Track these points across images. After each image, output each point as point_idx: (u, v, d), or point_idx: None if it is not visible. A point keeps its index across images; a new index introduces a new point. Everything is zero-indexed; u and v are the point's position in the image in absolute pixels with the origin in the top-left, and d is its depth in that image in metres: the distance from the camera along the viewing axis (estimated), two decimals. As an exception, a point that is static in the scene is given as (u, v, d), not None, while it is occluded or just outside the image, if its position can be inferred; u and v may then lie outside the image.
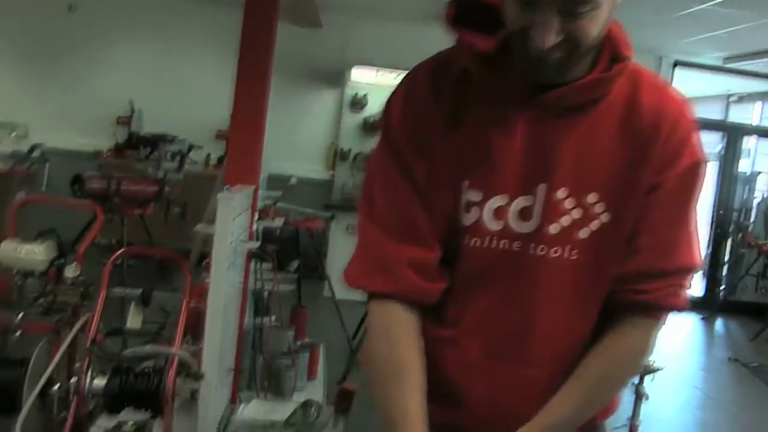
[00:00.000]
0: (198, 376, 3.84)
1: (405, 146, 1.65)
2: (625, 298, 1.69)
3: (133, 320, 4.05)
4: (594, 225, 1.63)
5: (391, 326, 1.68)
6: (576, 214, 1.62)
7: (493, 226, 1.65)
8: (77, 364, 3.96)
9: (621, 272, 1.67)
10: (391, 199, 1.68)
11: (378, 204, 1.69)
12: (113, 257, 4.16)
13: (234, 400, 4.05)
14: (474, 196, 1.64)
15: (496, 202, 1.64)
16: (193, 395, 3.99)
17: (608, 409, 1.85)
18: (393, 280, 1.68)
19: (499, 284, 1.67)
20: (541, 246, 1.64)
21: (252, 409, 3.89)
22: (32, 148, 8.36)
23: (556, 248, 1.63)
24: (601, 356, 1.68)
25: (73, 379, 3.91)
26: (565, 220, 1.63)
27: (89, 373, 3.88)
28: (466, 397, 1.72)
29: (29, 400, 3.81)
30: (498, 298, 1.68)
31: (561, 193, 1.62)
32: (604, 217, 1.63)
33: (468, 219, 1.66)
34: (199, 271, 4.29)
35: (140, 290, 4.08)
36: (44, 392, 3.97)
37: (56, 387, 4.04)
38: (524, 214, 1.63)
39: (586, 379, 1.67)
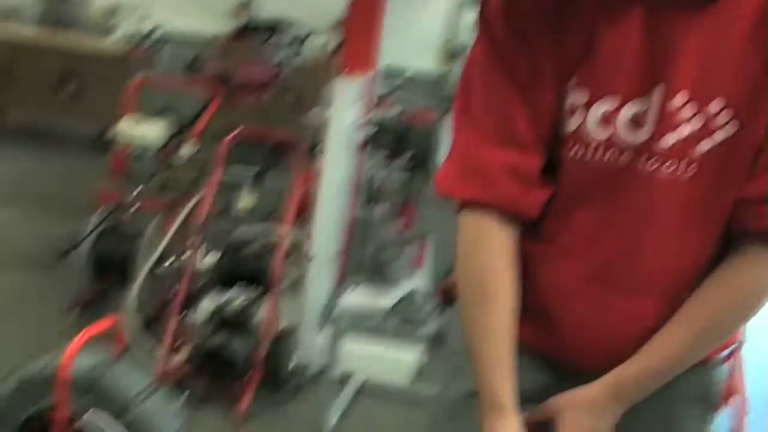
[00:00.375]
0: (306, 259, 3.88)
1: (504, 38, 1.47)
2: (747, 224, 1.45)
3: (245, 200, 4.09)
4: (717, 137, 1.40)
5: (482, 241, 1.50)
6: (696, 123, 1.39)
7: (599, 133, 1.44)
8: (189, 241, 4.05)
9: (744, 194, 1.43)
10: (488, 96, 1.49)
11: (474, 102, 1.51)
12: (228, 138, 4.19)
13: (340, 286, 4.09)
14: (579, 97, 1.44)
15: (603, 105, 1.43)
16: (301, 278, 4.04)
17: (725, 345, 1.62)
18: (488, 188, 1.48)
19: (603, 202, 1.47)
20: (654, 159, 1.42)
21: (357, 296, 3.91)
22: (151, 30, 8.44)
23: (670, 162, 1.41)
24: (716, 291, 1.46)
25: (185, 256, 4.01)
26: (683, 130, 1.40)
27: (200, 251, 3.97)
28: (560, 324, 1.54)
29: (142, 274, 3.92)
30: (601, 217, 1.48)
31: (680, 98, 1.39)
32: (729, 128, 1.40)
33: (571, 124, 1.46)
34: (312, 158, 4.30)
35: (253, 172, 4.12)
36: (156, 267, 4.08)
37: (168, 263, 4.14)
38: (636, 120, 1.42)
39: (696, 316, 1.46)
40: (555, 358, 1.58)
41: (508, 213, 1.49)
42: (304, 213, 4.08)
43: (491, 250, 1.49)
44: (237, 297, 3.70)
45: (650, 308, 1.48)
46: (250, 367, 3.61)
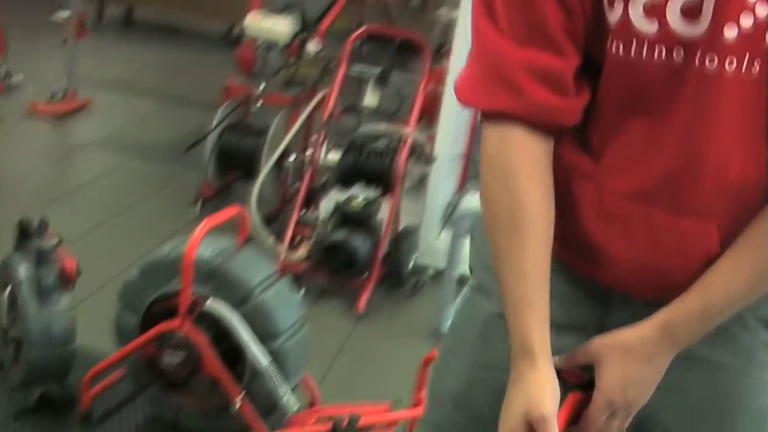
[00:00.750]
0: (429, 160, 3.84)
1: None
2: None
3: (370, 99, 4.06)
4: None
5: (510, 158, 1.26)
6: (762, 10, 1.15)
7: (646, 26, 1.20)
8: (313, 138, 4.05)
9: None
10: None
11: None
12: (354, 35, 4.15)
13: (461, 189, 4.05)
14: None
15: None
16: (423, 178, 4.01)
17: None
18: (513, 95, 1.24)
19: (655, 109, 1.23)
20: (712, 56, 1.17)
21: (478, 199, 3.87)
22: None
23: (731, 59, 1.17)
24: None
25: (308, 152, 4.02)
26: (745, 20, 1.15)
27: (324, 147, 3.97)
28: (606, 252, 1.32)
29: (266, 168, 3.94)
30: (653, 127, 1.24)
31: None
32: None
33: (612, 17, 1.22)
34: (438, 58, 4.22)
35: (378, 70, 4.07)
36: (280, 162, 4.10)
37: (292, 158, 4.16)
38: (689, 10, 1.17)
39: (762, 241, 1.23)
40: (600, 283, 1.37)
41: (539, 124, 1.26)
42: (428, 114, 4.02)
43: (520, 169, 1.27)
44: (359, 195, 3.69)
45: (711, 231, 1.26)
46: (370, 264, 3.62)
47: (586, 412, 1.29)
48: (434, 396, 1.55)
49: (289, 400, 2.37)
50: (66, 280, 2.61)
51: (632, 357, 1.27)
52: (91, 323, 2.77)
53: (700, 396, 1.37)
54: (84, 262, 2.72)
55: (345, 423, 2.23)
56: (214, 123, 4.29)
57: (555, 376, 1.25)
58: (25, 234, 2.65)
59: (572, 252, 1.35)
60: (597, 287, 1.37)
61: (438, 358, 1.55)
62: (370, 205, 3.65)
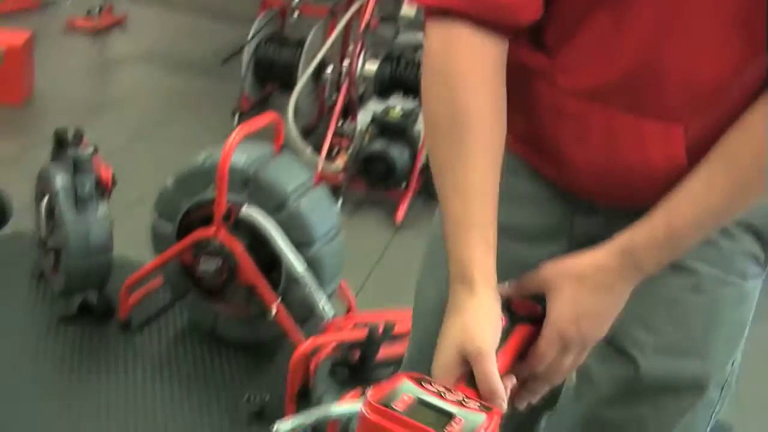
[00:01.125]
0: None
1: None
2: None
3: (407, 9, 3.97)
4: None
5: (453, 61, 1.11)
6: None
7: None
8: (350, 48, 3.99)
9: None
10: None
11: None
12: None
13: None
14: None
15: None
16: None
17: None
18: None
19: (618, 3, 1.09)
20: None
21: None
22: None
23: None
24: (762, 122, 1.08)
25: (346, 63, 3.96)
26: None
27: (361, 58, 3.91)
28: (565, 155, 1.20)
29: (303, 78, 3.90)
30: (614, 22, 1.10)
31: None
32: None
33: None
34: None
35: (416, -21, 3.99)
36: (317, 74, 4.05)
37: (329, 69, 4.11)
38: None
39: (740, 154, 1.09)
40: (564, 188, 1.25)
41: (489, 23, 1.10)
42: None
43: (466, 74, 1.11)
44: (396, 105, 3.64)
45: (676, 135, 1.13)
46: (408, 175, 3.58)
47: (534, 346, 1.13)
48: (417, 311, 1.42)
49: (324, 306, 2.36)
50: (102, 189, 2.61)
51: (587, 286, 1.13)
52: (128, 234, 2.78)
53: (674, 305, 1.24)
54: (121, 174, 2.72)
55: (380, 330, 2.22)
56: (251, 35, 4.25)
57: (497, 305, 1.09)
58: (61, 144, 2.64)
59: (535, 153, 1.24)
60: (562, 191, 1.26)
61: (419, 271, 1.40)
62: (408, 116, 3.60)
